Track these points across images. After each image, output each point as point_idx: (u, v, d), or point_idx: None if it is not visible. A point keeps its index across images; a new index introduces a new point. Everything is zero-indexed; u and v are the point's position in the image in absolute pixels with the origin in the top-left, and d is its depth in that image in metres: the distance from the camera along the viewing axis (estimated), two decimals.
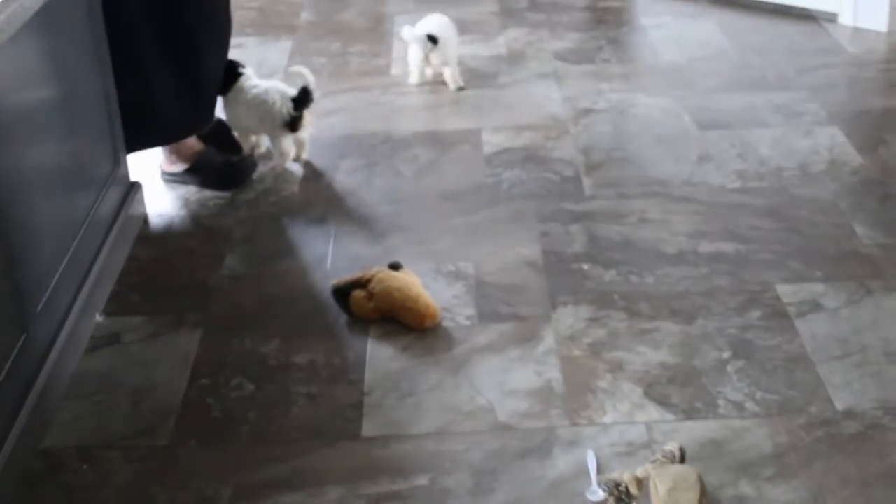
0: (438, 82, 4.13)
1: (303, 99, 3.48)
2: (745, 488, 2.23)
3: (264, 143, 3.63)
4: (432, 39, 4.02)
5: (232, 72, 3.54)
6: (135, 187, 3.27)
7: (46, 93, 2.67)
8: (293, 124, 3.50)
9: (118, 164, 3.14)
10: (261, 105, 3.49)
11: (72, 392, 2.58)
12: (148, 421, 2.49)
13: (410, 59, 4.12)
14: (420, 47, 4.04)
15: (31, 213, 2.50)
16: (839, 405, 2.45)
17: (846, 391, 2.49)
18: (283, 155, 3.55)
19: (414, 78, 4.14)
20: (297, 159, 3.58)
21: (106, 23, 3.03)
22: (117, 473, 2.34)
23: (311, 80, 3.51)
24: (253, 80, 3.57)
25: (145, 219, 3.31)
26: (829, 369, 2.56)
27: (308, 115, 3.54)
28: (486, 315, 2.80)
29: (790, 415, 2.42)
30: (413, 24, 4.13)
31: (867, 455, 2.30)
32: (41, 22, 2.53)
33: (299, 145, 3.59)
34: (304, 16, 4.99)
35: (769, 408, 2.45)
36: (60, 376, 2.56)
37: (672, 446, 2.27)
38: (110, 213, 3.05)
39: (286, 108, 3.47)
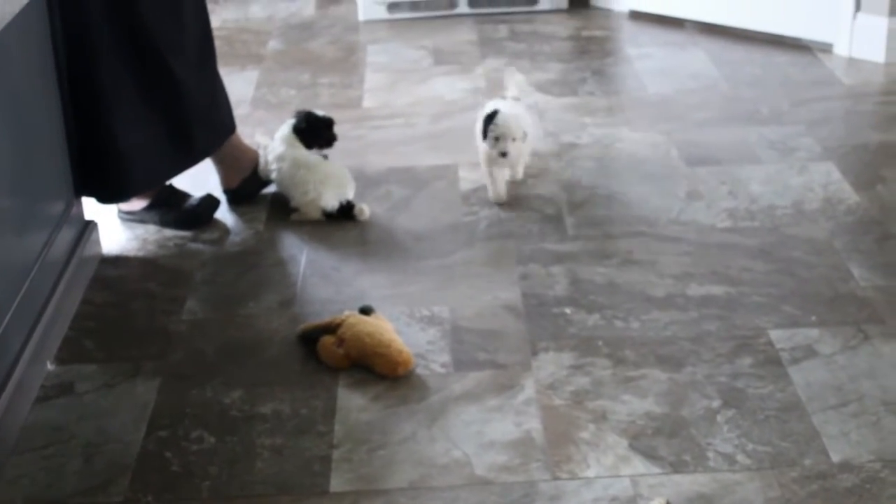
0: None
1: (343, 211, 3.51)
2: None
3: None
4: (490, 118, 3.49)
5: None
6: (90, 227, 3.27)
7: None
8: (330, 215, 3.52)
9: (72, 202, 3.15)
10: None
11: (20, 445, 2.57)
12: (101, 476, 2.47)
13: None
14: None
15: None
16: (835, 457, 2.46)
17: (842, 442, 2.50)
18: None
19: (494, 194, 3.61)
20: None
21: (72, 68, 3.11)
22: None
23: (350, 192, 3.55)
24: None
25: (101, 260, 3.31)
26: (824, 419, 2.57)
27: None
28: (463, 362, 2.81)
29: (783, 468, 2.43)
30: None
31: None
32: None
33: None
34: (272, 45, 5.02)
35: (761, 460, 2.46)
36: (8, 428, 2.55)
37: (659, 501, 2.28)
38: (63, 253, 3.05)
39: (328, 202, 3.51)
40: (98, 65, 3.18)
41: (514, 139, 3.41)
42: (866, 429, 2.54)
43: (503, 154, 3.41)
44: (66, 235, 3.08)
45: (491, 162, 3.50)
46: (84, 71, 3.16)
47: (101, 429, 2.63)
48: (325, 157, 3.57)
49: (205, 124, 3.45)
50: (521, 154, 3.55)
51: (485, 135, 3.45)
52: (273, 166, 3.56)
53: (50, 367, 2.83)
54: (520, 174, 3.65)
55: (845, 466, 2.43)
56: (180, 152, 3.41)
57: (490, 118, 3.44)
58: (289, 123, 3.58)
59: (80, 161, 3.21)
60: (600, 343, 2.87)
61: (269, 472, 2.47)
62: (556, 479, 2.42)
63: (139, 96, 3.28)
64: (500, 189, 3.53)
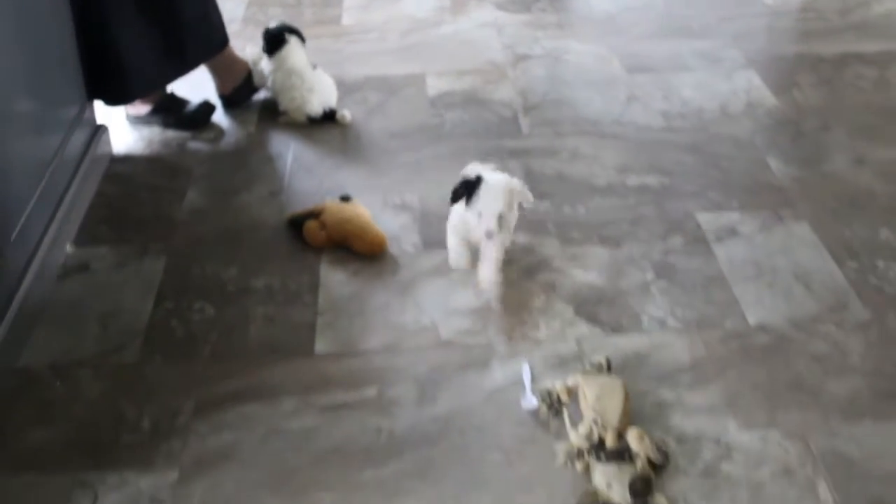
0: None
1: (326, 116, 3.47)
2: (666, 395, 2.28)
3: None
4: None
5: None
6: (101, 129, 3.25)
7: (11, 39, 2.64)
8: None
9: (84, 106, 3.13)
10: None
11: (45, 316, 2.58)
12: (116, 341, 2.50)
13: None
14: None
15: (1, 152, 2.48)
16: (752, 320, 2.50)
17: (758, 308, 2.55)
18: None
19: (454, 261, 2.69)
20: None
21: None
22: (88, 389, 2.35)
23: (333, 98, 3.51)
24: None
25: (112, 158, 3.29)
26: (743, 289, 2.62)
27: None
28: (430, 242, 2.83)
29: (707, 329, 2.48)
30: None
31: (776, 364, 2.36)
32: None
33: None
34: None
35: (688, 323, 2.50)
36: (34, 301, 2.56)
37: (600, 358, 2.32)
38: (78, 152, 3.04)
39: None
40: None
41: (499, 215, 2.49)
42: (779, 297, 2.58)
43: (488, 235, 2.50)
44: (80, 136, 3.06)
45: (455, 230, 2.60)
46: None
47: (114, 301, 2.64)
48: (315, 66, 3.54)
49: (197, 37, 3.41)
50: (508, 230, 2.60)
51: (455, 198, 2.53)
52: (269, 75, 3.53)
53: (69, 249, 2.83)
54: (507, 243, 2.64)
55: (760, 328, 2.48)
56: (175, 61, 3.37)
57: (472, 186, 2.50)
58: (294, 40, 3.51)
59: (90, 69, 3.17)
60: (550, 225, 2.89)
61: (262, 337, 2.50)
62: (511, 340, 2.46)
63: (138, 13, 3.23)
64: (462, 256, 2.64)
